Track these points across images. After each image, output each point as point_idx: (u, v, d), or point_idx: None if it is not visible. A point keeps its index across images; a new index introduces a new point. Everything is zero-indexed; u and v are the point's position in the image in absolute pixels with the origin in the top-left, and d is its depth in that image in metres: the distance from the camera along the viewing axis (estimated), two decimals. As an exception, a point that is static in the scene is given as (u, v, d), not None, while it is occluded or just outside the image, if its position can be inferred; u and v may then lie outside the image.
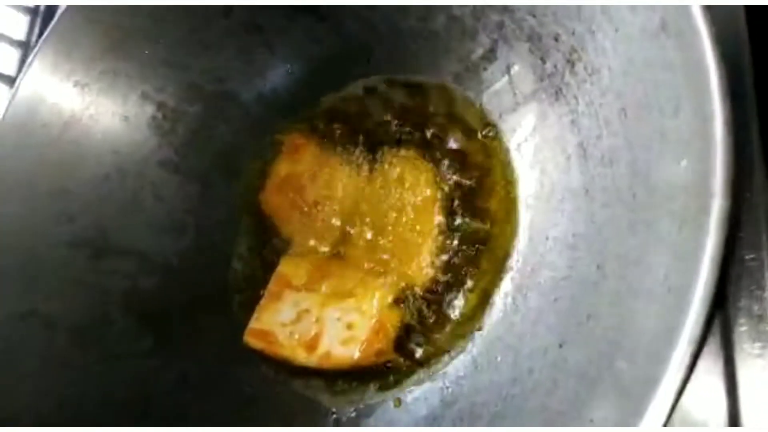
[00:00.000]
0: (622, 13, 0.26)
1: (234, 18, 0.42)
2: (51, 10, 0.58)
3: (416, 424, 0.35)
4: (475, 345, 0.35)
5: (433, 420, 0.35)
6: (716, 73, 0.20)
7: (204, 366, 0.40)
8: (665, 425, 0.19)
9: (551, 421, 0.27)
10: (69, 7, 0.39)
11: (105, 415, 0.36)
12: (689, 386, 0.28)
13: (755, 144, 0.29)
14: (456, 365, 0.36)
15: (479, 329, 0.36)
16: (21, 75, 0.38)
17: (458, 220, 0.38)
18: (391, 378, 0.37)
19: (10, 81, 0.55)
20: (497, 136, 0.38)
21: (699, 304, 0.19)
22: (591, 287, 0.28)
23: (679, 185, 0.22)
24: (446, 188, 0.39)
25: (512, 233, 0.36)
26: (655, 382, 0.19)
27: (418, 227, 0.39)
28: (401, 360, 0.37)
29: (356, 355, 0.36)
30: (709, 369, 0.28)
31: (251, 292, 0.42)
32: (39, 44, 0.39)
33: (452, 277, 0.37)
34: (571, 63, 0.31)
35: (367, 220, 0.40)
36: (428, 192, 0.39)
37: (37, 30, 0.58)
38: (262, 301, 0.40)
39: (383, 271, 0.39)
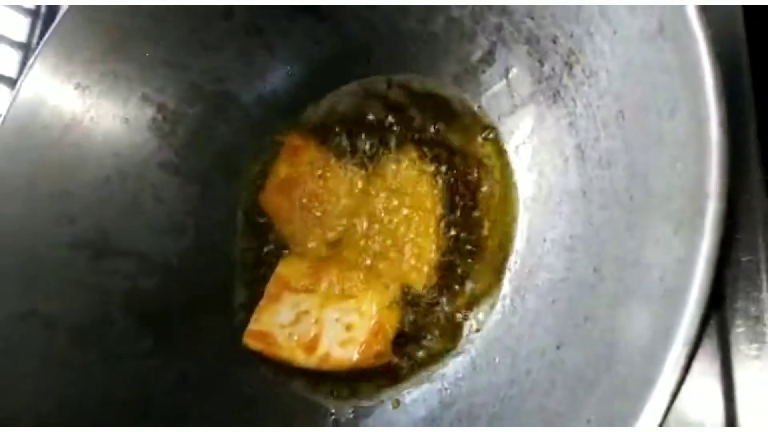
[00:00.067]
0: (620, 15, 0.26)
1: (234, 19, 0.42)
2: (52, 11, 0.58)
3: (415, 425, 0.35)
4: (474, 346, 0.35)
5: (431, 421, 0.35)
6: (712, 75, 0.21)
7: (204, 366, 0.40)
8: (661, 425, 0.19)
9: (549, 422, 0.27)
10: (70, 8, 0.39)
11: (105, 415, 0.36)
12: (686, 387, 0.28)
13: (753, 144, 0.29)
14: (454, 366, 0.36)
15: (477, 330, 0.36)
16: (22, 77, 0.39)
17: (456, 222, 0.38)
18: (390, 379, 0.37)
19: (11, 83, 0.55)
20: (496, 139, 0.38)
21: (694, 305, 0.19)
22: (588, 289, 0.28)
23: (675, 187, 0.22)
24: (445, 190, 0.39)
25: (510, 235, 0.36)
26: (650, 383, 0.19)
27: (416, 228, 0.39)
28: (400, 361, 0.37)
29: (355, 356, 0.36)
30: (706, 370, 0.28)
31: (251, 292, 0.42)
32: (40, 46, 0.39)
33: (451, 278, 0.37)
34: (569, 65, 0.31)
35: (366, 221, 0.40)
36: (427, 193, 0.39)
37: (37, 32, 0.58)
38: (261, 303, 0.40)
39: (382, 273, 0.39)
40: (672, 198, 0.22)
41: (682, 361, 0.19)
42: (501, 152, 0.38)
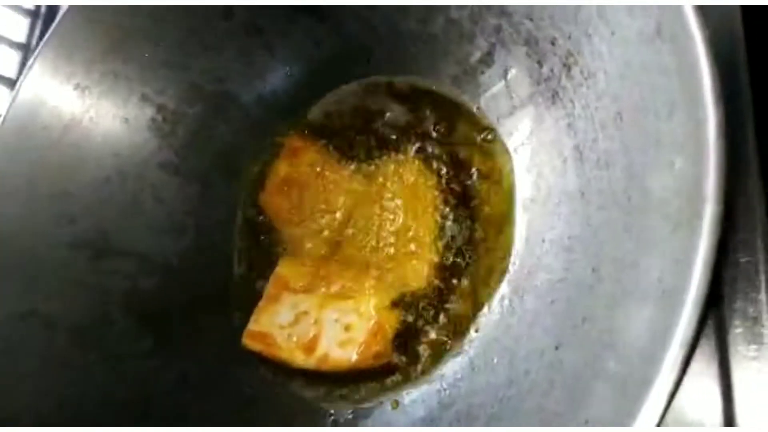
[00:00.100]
0: (618, 17, 0.26)
1: (234, 20, 0.43)
2: (51, 12, 0.58)
3: (413, 426, 0.35)
4: (472, 347, 0.35)
5: (430, 422, 0.35)
6: (709, 77, 0.21)
7: (204, 366, 0.40)
8: (659, 425, 0.19)
9: (547, 422, 0.27)
10: (70, 9, 0.39)
11: (105, 415, 0.36)
12: (685, 387, 0.28)
13: (751, 145, 0.29)
14: (453, 367, 0.36)
15: (476, 331, 0.36)
16: (21, 77, 0.39)
17: (456, 223, 0.38)
18: (389, 380, 0.37)
19: (11, 83, 0.55)
20: (495, 140, 0.38)
21: (691, 306, 0.19)
22: (586, 290, 0.28)
23: (673, 189, 0.22)
24: (444, 191, 0.39)
25: (509, 236, 0.36)
26: (648, 383, 0.19)
27: (416, 229, 0.39)
28: (399, 362, 0.37)
29: (354, 357, 0.36)
30: (704, 371, 0.28)
31: (251, 292, 0.42)
32: (39, 47, 0.39)
33: (450, 279, 0.37)
34: (567, 67, 0.31)
35: (366, 222, 0.40)
36: (426, 194, 0.39)
37: (37, 32, 0.58)
38: (261, 303, 0.41)
39: (381, 273, 0.39)
40: (670, 199, 0.22)
41: (679, 362, 0.19)
42: (500, 153, 0.38)
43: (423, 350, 0.37)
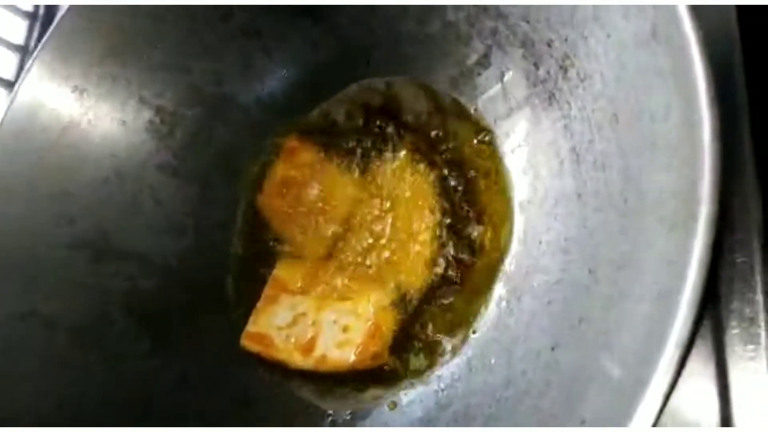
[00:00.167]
0: (614, 19, 0.26)
1: (232, 22, 0.43)
2: (50, 13, 0.59)
3: (411, 426, 0.35)
4: (470, 347, 0.35)
5: (428, 422, 0.35)
6: (704, 79, 0.21)
7: (204, 366, 0.40)
8: (655, 425, 0.19)
9: (544, 422, 0.27)
10: (68, 11, 0.39)
11: (105, 415, 0.36)
12: (681, 388, 0.28)
13: (747, 145, 0.29)
14: (450, 368, 0.36)
15: (474, 332, 0.36)
16: (20, 80, 0.39)
17: (453, 224, 0.38)
18: (387, 381, 0.37)
19: (9, 85, 0.55)
20: (492, 141, 0.38)
21: (687, 307, 0.19)
22: (583, 291, 0.28)
23: (668, 190, 0.22)
24: (441, 192, 0.39)
25: (507, 237, 0.36)
26: (644, 384, 0.19)
27: (413, 230, 0.39)
28: (397, 363, 0.37)
29: (352, 358, 0.36)
30: (701, 371, 0.28)
31: (250, 293, 0.42)
32: (38, 49, 0.39)
33: (447, 280, 0.37)
34: (564, 69, 0.31)
35: (364, 223, 0.40)
36: (424, 195, 0.39)
37: (35, 34, 0.58)
38: (259, 305, 0.41)
39: (379, 274, 0.39)
40: (665, 201, 0.22)
41: (675, 362, 0.19)
42: (497, 155, 0.38)
43: (420, 351, 0.37)
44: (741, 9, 0.31)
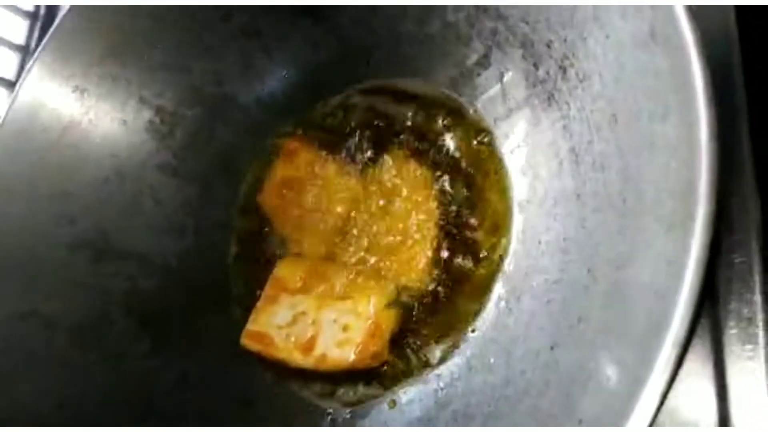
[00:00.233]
0: (613, 20, 0.26)
1: (233, 22, 0.43)
2: (50, 13, 0.59)
3: (410, 425, 0.35)
4: (469, 347, 0.36)
5: (427, 421, 0.35)
6: (702, 79, 0.21)
7: (204, 366, 0.40)
8: (652, 425, 0.19)
9: (542, 422, 0.27)
10: (69, 12, 0.39)
11: (105, 415, 0.36)
12: (680, 387, 0.28)
13: (745, 146, 0.29)
14: (450, 367, 0.36)
15: (473, 331, 0.36)
16: (21, 80, 0.39)
17: (453, 224, 0.38)
18: (386, 379, 0.37)
19: (10, 85, 0.55)
20: (492, 142, 0.38)
21: (684, 306, 0.19)
22: (582, 290, 0.28)
23: (667, 190, 0.22)
24: (441, 192, 0.39)
25: (506, 237, 0.36)
26: (641, 383, 0.19)
27: (413, 230, 0.39)
28: (396, 362, 0.37)
29: (352, 357, 0.36)
30: (700, 371, 0.28)
31: (250, 293, 0.42)
32: (39, 49, 0.39)
33: (447, 279, 0.37)
34: (563, 69, 0.31)
35: (363, 223, 0.41)
36: (423, 195, 0.39)
37: (36, 34, 0.58)
38: (259, 304, 0.41)
39: (379, 274, 0.39)
40: (664, 201, 0.22)
41: (672, 361, 0.19)
42: (496, 155, 0.38)
43: (420, 350, 0.37)
44: (740, 9, 0.31)
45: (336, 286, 0.39)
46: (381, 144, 0.42)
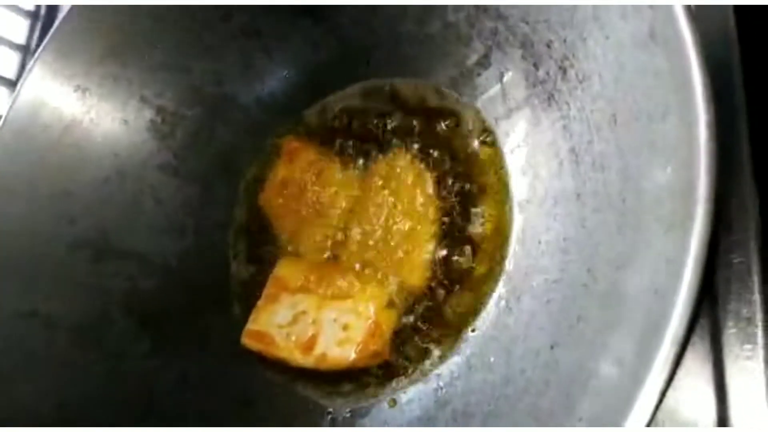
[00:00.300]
0: (612, 20, 0.26)
1: (233, 22, 0.43)
2: (51, 13, 0.59)
3: (410, 424, 0.35)
4: (469, 346, 0.36)
5: (427, 420, 0.35)
6: (701, 80, 0.21)
7: (204, 366, 0.40)
8: (650, 424, 0.19)
9: (542, 421, 0.27)
10: (70, 12, 0.39)
11: (105, 415, 0.36)
12: (679, 387, 0.28)
13: (744, 146, 0.29)
14: (450, 366, 0.36)
15: (473, 330, 0.36)
16: (22, 79, 0.39)
17: (453, 224, 0.38)
18: (386, 379, 0.37)
19: (11, 84, 0.55)
20: (492, 142, 0.38)
21: (682, 305, 0.19)
22: (581, 290, 0.28)
23: (666, 190, 0.22)
24: (442, 192, 0.39)
25: (506, 237, 0.36)
26: (640, 382, 0.19)
27: (413, 230, 0.39)
28: (396, 361, 0.37)
29: (352, 356, 0.37)
30: (698, 371, 0.28)
31: (250, 292, 0.43)
32: (40, 49, 0.39)
33: (447, 279, 0.38)
34: (563, 69, 0.31)
35: (364, 222, 0.41)
36: (424, 195, 0.39)
37: (37, 34, 0.58)
38: (259, 303, 0.41)
39: (379, 273, 0.39)
40: (663, 201, 0.22)
41: (671, 360, 0.19)
42: (496, 155, 0.38)
43: (420, 349, 0.37)
44: (739, 9, 0.31)
45: (336, 285, 0.39)
46: (381, 144, 0.42)
